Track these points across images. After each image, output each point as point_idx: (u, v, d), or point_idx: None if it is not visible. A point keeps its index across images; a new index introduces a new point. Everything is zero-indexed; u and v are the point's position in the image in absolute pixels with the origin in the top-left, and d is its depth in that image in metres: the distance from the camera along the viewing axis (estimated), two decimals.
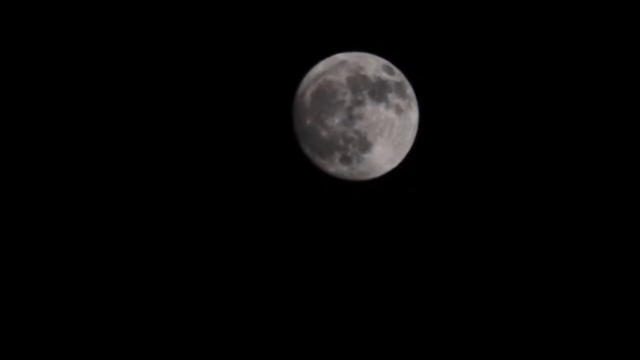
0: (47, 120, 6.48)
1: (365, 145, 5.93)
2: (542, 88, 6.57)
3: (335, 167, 6.12)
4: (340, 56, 6.21)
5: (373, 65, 6.10)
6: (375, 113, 5.90)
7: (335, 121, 5.90)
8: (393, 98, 6.00)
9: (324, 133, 5.96)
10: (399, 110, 6.01)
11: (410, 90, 6.19)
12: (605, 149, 6.56)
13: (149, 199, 6.55)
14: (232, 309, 6.58)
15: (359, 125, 5.88)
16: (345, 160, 6.02)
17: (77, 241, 6.47)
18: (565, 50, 6.56)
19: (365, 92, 5.91)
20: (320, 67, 6.18)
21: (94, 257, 6.48)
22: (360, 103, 5.88)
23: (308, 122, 6.03)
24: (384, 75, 6.06)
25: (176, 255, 6.56)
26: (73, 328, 6.46)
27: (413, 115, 6.16)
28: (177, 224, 6.56)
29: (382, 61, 6.18)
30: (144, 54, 6.53)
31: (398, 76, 6.15)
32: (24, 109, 6.46)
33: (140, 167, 6.54)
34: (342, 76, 5.98)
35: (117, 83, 6.53)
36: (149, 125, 6.54)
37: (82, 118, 6.51)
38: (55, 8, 6.45)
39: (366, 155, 5.98)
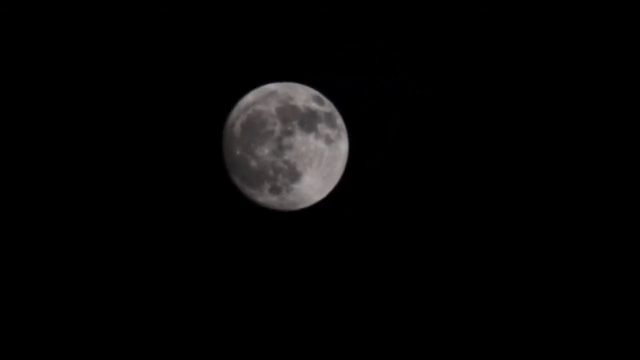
0: None
1: (294, 175, 5.92)
2: (470, 111, 6.66)
3: (265, 197, 6.09)
4: (270, 86, 6.21)
5: (303, 95, 6.10)
6: (304, 143, 5.90)
7: (265, 151, 5.88)
8: (323, 128, 6.00)
9: (253, 163, 5.93)
10: (328, 141, 6.02)
11: (340, 121, 6.21)
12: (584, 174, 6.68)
13: (78, 232, 6.44)
14: (162, 337, 6.48)
15: (288, 155, 5.87)
16: (275, 190, 5.99)
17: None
18: (506, 76, 6.68)
19: (295, 123, 5.90)
20: (250, 97, 6.17)
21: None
22: (289, 133, 5.87)
23: (238, 152, 5.99)
24: (314, 105, 6.07)
25: (106, 287, 6.45)
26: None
27: (343, 146, 6.18)
28: (105, 255, 6.45)
29: (312, 91, 6.19)
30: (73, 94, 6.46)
31: (328, 106, 6.17)
32: None
33: (71, 201, 6.44)
34: (271, 106, 5.97)
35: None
36: (83, 162, 6.45)
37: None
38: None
39: (295, 186, 5.96)
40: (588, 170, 6.61)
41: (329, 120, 6.09)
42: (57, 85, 6.45)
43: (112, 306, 6.47)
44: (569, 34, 6.59)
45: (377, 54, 6.59)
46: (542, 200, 6.62)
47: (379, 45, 6.58)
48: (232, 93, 6.30)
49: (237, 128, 6.03)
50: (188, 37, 6.50)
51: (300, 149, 5.88)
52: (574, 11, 6.58)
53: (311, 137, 5.93)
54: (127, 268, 6.47)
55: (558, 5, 6.57)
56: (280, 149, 5.86)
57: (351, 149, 6.29)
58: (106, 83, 6.48)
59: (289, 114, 5.93)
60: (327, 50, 6.56)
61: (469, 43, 6.60)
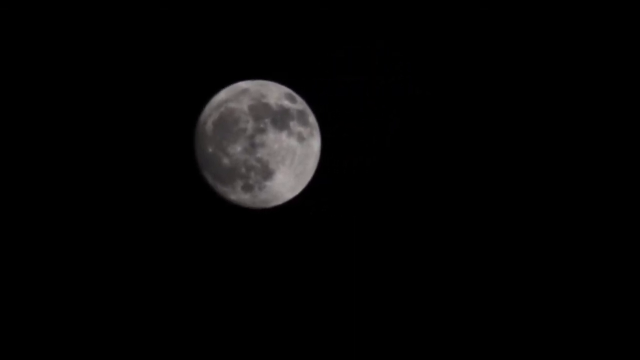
0: None
1: (267, 173, 5.93)
2: (440, 113, 6.71)
3: (237, 195, 6.09)
4: (243, 84, 6.21)
5: (275, 93, 6.11)
6: (277, 141, 5.91)
7: (237, 149, 5.88)
8: (295, 126, 6.02)
9: (225, 161, 5.93)
10: (300, 138, 6.04)
11: (312, 118, 6.23)
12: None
13: (47, 226, 6.39)
14: (128, 333, 6.45)
15: (260, 153, 5.88)
16: (247, 188, 6.00)
17: None
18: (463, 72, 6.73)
19: (267, 120, 5.91)
20: (222, 95, 6.16)
21: None
22: (262, 131, 5.88)
23: (210, 150, 5.99)
24: (286, 103, 6.08)
25: (75, 289, 6.42)
26: None
27: (315, 143, 6.20)
28: (77, 254, 6.41)
29: (284, 89, 6.21)
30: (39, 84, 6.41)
31: (300, 104, 6.18)
32: None
33: (38, 195, 6.39)
34: (244, 104, 5.98)
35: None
36: (51, 160, 6.40)
37: None
38: None
39: (268, 183, 5.97)
40: (587, 172, 6.64)
41: (301, 118, 6.11)
42: (21, 82, 6.40)
43: (79, 302, 6.43)
44: (569, 34, 6.62)
45: (351, 53, 6.62)
46: (537, 205, 6.65)
47: (352, 44, 6.61)
48: (204, 91, 6.30)
49: (209, 126, 6.03)
50: (161, 34, 6.47)
51: (272, 146, 5.89)
52: (574, 11, 6.60)
53: (283, 135, 5.94)
54: (97, 265, 6.44)
55: (558, 5, 6.60)
56: (252, 146, 5.87)
57: (323, 146, 6.31)
58: (77, 79, 6.44)
59: (262, 111, 5.94)
60: (300, 48, 6.58)
61: (460, 43, 6.64)
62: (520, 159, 6.68)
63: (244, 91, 6.10)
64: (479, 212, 6.65)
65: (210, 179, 6.15)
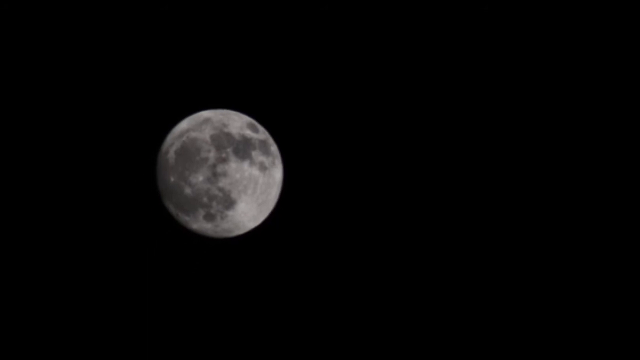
0: None
1: (229, 202, 5.93)
2: (404, 138, 6.76)
3: (199, 224, 6.09)
4: (205, 113, 6.23)
5: (237, 122, 6.14)
6: (239, 170, 5.93)
7: (199, 178, 5.89)
8: (257, 155, 6.04)
9: (187, 190, 5.93)
10: (263, 168, 6.06)
11: (274, 148, 6.26)
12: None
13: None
14: None
15: (222, 182, 5.89)
16: (209, 217, 6.00)
17: None
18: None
19: (229, 150, 5.93)
20: (184, 124, 6.17)
21: None
22: (224, 160, 5.89)
23: (172, 179, 5.99)
24: (248, 132, 6.11)
25: (32, 317, 6.35)
26: None
27: (277, 173, 6.23)
28: (38, 285, 6.35)
29: (246, 118, 6.24)
30: None
31: (262, 134, 6.21)
32: None
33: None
34: (206, 133, 5.99)
35: None
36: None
37: None
38: None
39: (230, 213, 5.98)
40: (586, 179, 6.63)
41: (263, 147, 6.14)
42: None
43: (39, 334, 6.37)
44: (566, 36, 6.62)
45: (316, 82, 6.68)
46: (528, 207, 6.65)
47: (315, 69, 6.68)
48: (166, 120, 6.31)
49: (171, 155, 6.03)
50: (123, 61, 6.48)
51: (234, 176, 5.91)
52: (574, 11, 6.60)
53: (245, 165, 5.96)
54: (57, 295, 6.38)
55: (557, 6, 6.59)
56: (214, 175, 5.88)
57: (285, 176, 6.34)
58: (38, 105, 6.42)
59: (224, 141, 5.95)
60: (263, 76, 6.62)
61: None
62: (502, 159, 6.69)
63: (206, 120, 6.12)
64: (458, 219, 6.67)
65: (172, 209, 6.14)
